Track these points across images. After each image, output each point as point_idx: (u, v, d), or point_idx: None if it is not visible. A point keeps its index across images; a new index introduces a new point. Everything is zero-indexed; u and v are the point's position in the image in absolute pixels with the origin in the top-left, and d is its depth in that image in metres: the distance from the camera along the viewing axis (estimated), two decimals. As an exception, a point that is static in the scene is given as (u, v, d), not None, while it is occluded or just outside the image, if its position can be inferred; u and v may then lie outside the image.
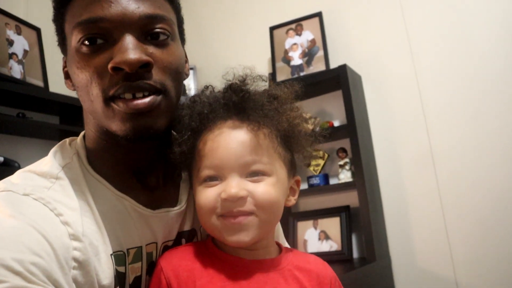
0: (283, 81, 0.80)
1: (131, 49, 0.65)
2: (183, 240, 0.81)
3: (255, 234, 0.69)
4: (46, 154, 0.75)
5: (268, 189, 0.70)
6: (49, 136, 2.39)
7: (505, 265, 2.08)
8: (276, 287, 0.70)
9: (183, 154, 0.74)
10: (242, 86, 0.74)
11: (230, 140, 0.70)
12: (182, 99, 0.79)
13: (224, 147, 0.70)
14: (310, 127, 0.79)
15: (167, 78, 0.70)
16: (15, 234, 0.58)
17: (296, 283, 0.72)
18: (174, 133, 0.86)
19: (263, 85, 0.77)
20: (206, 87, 0.80)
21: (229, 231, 0.69)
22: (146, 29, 0.68)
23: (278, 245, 0.81)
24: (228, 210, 0.68)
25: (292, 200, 0.79)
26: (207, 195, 0.70)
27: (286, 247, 0.81)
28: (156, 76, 0.68)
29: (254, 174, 0.70)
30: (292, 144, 0.76)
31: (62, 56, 0.77)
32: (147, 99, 0.67)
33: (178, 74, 0.73)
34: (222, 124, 0.72)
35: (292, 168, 0.78)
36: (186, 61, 0.81)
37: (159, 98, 0.68)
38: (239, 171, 0.69)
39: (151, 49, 0.68)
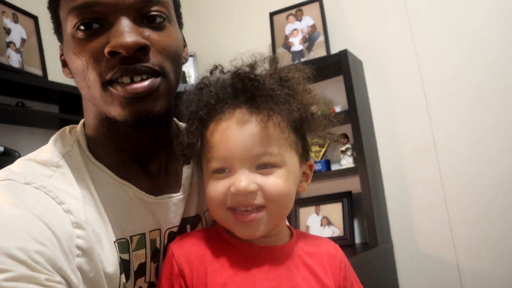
0: (291, 65, 0.77)
1: (127, 32, 0.63)
2: (188, 227, 0.80)
3: (266, 228, 0.69)
4: (46, 143, 0.74)
5: (278, 181, 0.68)
6: (49, 125, 2.38)
7: (506, 248, 2.08)
8: (287, 274, 0.70)
9: (191, 145, 0.73)
10: (251, 74, 0.71)
11: (239, 132, 0.68)
12: (186, 86, 0.77)
13: (232, 140, 0.68)
14: (314, 110, 0.77)
15: (165, 60, 0.68)
16: (17, 223, 0.57)
17: (306, 270, 0.72)
18: (175, 120, 0.85)
19: (273, 68, 0.74)
20: (216, 67, 0.77)
21: (239, 227, 0.69)
22: (142, 12, 0.67)
23: (290, 229, 0.80)
24: (238, 203, 0.68)
25: (305, 186, 0.78)
26: (217, 188, 0.69)
27: (297, 231, 0.80)
28: (154, 58, 0.67)
29: (264, 166, 0.68)
30: (305, 128, 0.74)
31: (59, 44, 0.76)
32: (145, 82, 0.65)
33: (177, 56, 0.71)
34: (231, 114, 0.70)
35: (305, 154, 0.76)
36: (185, 45, 0.80)
37: (158, 80, 0.67)
38: (248, 164, 0.67)
39: (148, 32, 0.67)
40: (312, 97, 0.75)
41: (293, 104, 0.71)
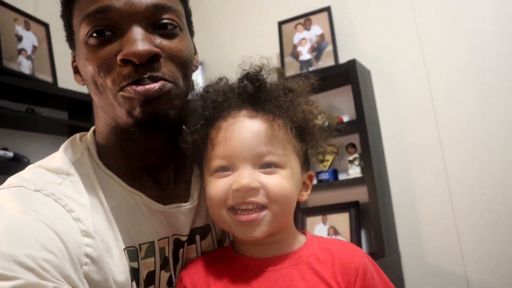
0: (298, 75, 0.78)
1: (139, 40, 0.64)
2: (197, 237, 0.80)
3: (267, 229, 0.68)
4: (55, 149, 0.75)
5: (281, 181, 0.68)
6: (58, 131, 2.40)
7: (516, 261, 2.06)
8: (289, 285, 0.67)
9: (195, 143, 0.73)
10: (258, 75, 0.73)
11: (244, 130, 0.69)
12: (192, 93, 0.78)
13: (237, 137, 0.68)
14: (320, 122, 0.77)
15: (176, 68, 0.69)
16: (27, 230, 0.57)
17: (315, 277, 0.68)
18: (185, 128, 0.85)
19: (279, 78, 0.76)
20: (220, 79, 0.78)
21: (240, 227, 0.68)
22: (154, 20, 0.68)
23: (305, 234, 0.77)
24: (240, 201, 0.67)
25: (305, 196, 0.77)
26: (218, 186, 0.69)
27: (314, 237, 0.77)
28: (165, 67, 0.67)
29: (267, 166, 0.68)
30: (306, 138, 0.74)
31: (70, 51, 0.77)
32: (157, 84, 0.66)
33: (187, 64, 0.72)
34: (236, 113, 0.71)
35: (306, 162, 0.76)
36: (195, 53, 0.81)
37: (168, 85, 0.68)
38: (251, 162, 0.68)
39: (159, 39, 0.68)
40: (314, 108, 0.75)
41: (295, 111, 0.72)
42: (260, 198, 0.67)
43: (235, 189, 0.67)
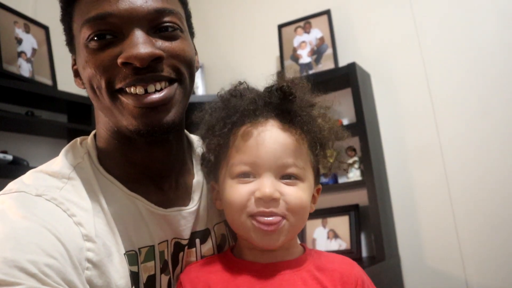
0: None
1: (141, 43, 0.64)
2: (197, 241, 0.80)
3: (284, 238, 0.70)
4: (54, 152, 0.75)
5: (300, 193, 0.70)
6: (58, 134, 2.40)
7: (516, 264, 2.06)
8: None
9: (220, 146, 0.74)
10: (292, 89, 0.74)
11: (273, 140, 0.70)
12: (195, 98, 0.78)
13: (265, 145, 0.70)
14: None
15: (181, 67, 0.70)
16: (28, 235, 0.57)
17: (316, 284, 0.69)
18: (187, 132, 0.85)
19: (301, 89, 0.77)
20: (240, 83, 0.79)
21: (259, 235, 0.69)
22: (155, 23, 0.68)
23: (304, 246, 0.80)
24: (260, 210, 0.68)
25: (313, 207, 0.79)
26: (240, 191, 0.70)
27: (312, 249, 0.79)
28: (168, 66, 0.68)
29: (288, 177, 0.70)
30: (320, 153, 0.76)
31: (70, 54, 0.77)
32: (162, 93, 0.66)
33: (191, 63, 0.73)
34: (264, 121, 0.72)
35: (317, 176, 0.78)
36: (196, 53, 0.81)
37: (174, 87, 0.68)
38: (274, 172, 0.69)
39: (161, 41, 0.68)
40: (332, 124, 0.77)
41: (320, 131, 0.74)
42: (279, 209, 0.69)
43: (257, 197, 0.68)
